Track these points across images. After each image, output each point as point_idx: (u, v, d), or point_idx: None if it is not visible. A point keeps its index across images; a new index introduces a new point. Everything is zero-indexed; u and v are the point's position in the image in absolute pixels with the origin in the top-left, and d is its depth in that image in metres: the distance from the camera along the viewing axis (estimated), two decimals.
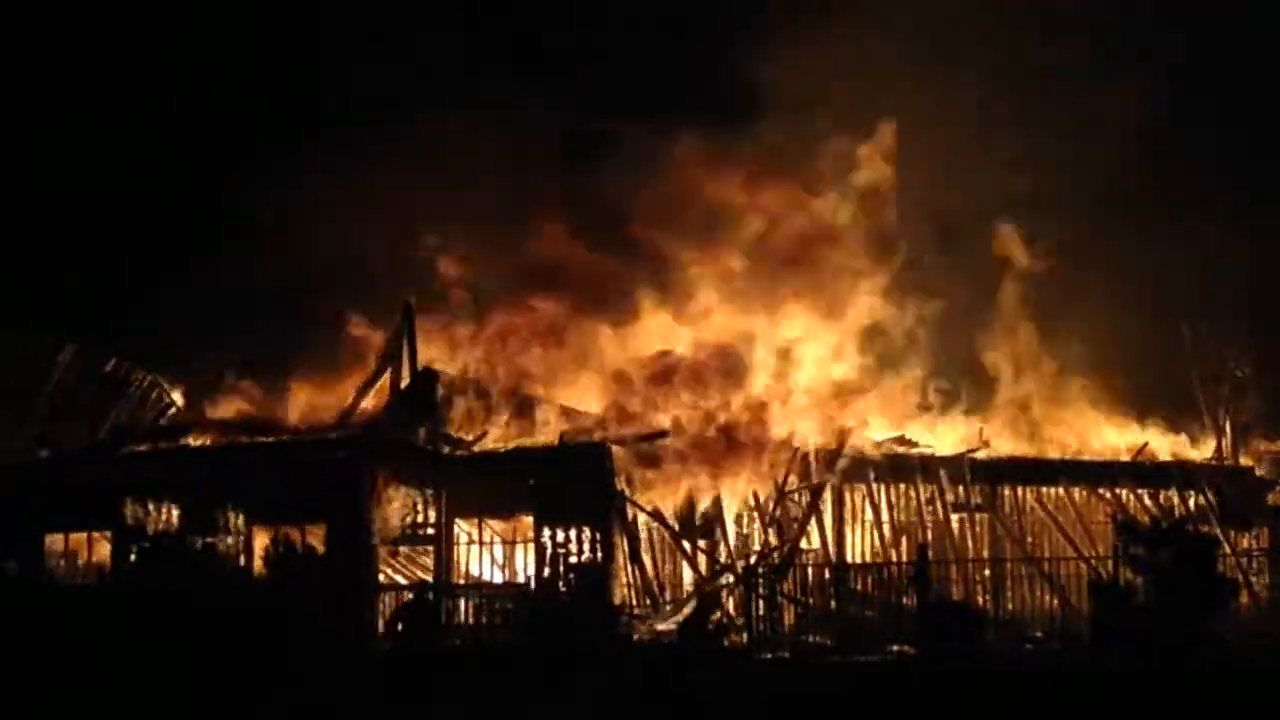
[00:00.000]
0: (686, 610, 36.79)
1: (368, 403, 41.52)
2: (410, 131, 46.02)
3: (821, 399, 40.97)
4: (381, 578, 38.47)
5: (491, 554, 39.88)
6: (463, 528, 39.48)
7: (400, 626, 36.22)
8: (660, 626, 36.94)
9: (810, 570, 38.58)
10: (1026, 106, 46.62)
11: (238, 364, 43.67)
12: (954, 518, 40.86)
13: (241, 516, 38.63)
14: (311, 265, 44.93)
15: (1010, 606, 39.55)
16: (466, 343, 42.79)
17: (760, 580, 37.40)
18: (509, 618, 37.20)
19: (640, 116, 44.85)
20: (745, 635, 36.60)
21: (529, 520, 38.40)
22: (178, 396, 44.69)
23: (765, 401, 40.06)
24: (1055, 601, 39.16)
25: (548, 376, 41.89)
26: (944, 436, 42.59)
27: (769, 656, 35.93)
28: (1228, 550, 39.66)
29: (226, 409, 42.45)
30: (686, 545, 38.60)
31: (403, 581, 38.91)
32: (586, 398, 41.18)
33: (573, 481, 37.70)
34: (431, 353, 42.11)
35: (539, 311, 42.85)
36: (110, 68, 52.06)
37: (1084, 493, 41.88)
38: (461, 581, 39.02)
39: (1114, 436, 44.69)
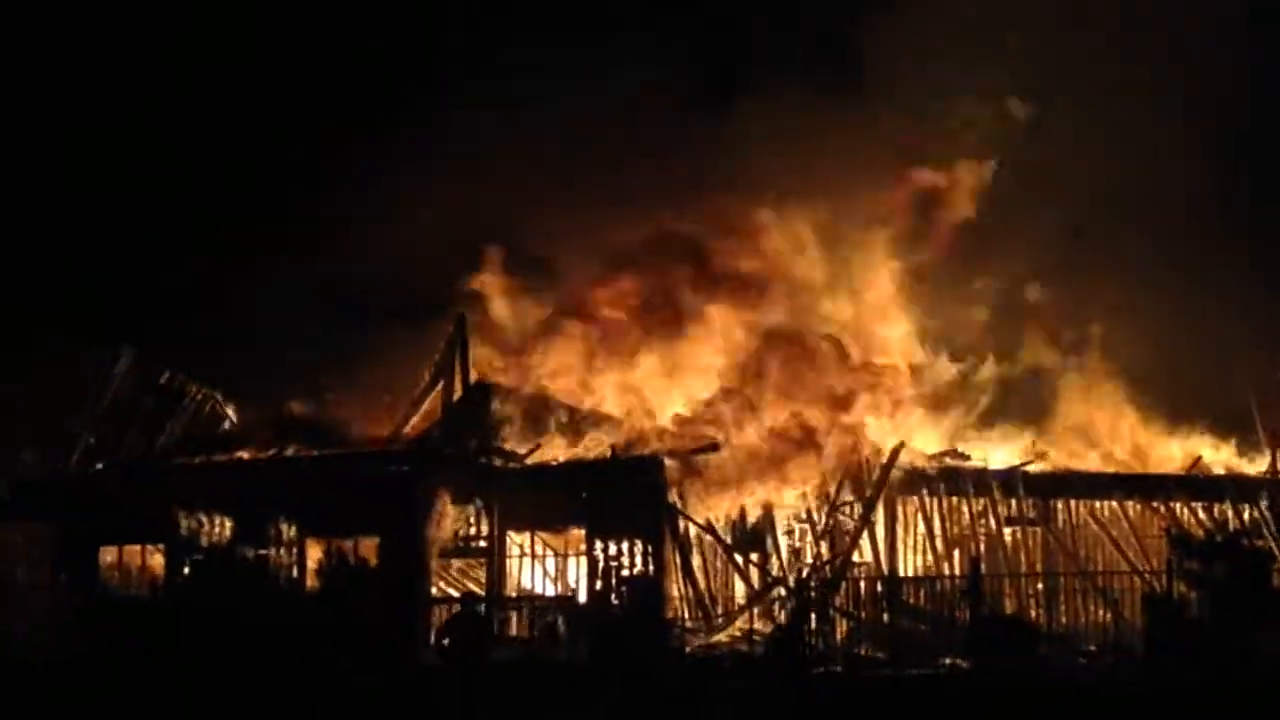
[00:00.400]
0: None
1: (419, 415, 41.63)
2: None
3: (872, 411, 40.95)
4: (434, 591, 38.53)
5: (544, 567, 39.92)
6: (515, 540, 39.51)
7: (449, 639, 36.26)
8: (712, 639, 36.98)
9: (862, 583, 38.49)
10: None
11: (289, 376, 43.86)
12: (1007, 531, 40.72)
13: (295, 529, 38.71)
14: (362, 272, 45.15)
15: (1064, 620, 39.34)
16: (520, 354, 42.85)
17: (812, 593, 37.32)
18: (555, 630, 37.29)
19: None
20: (798, 649, 36.54)
21: (581, 533, 38.40)
22: (231, 410, 44.84)
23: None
24: (1109, 615, 38.94)
25: (601, 388, 41.91)
26: (997, 450, 42.48)
27: (821, 670, 35.86)
28: None
29: (279, 421, 42.56)
30: (739, 558, 38.55)
31: (455, 594, 38.97)
32: (639, 409, 41.11)
33: (625, 494, 37.67)
34: (484, 364, 42.18)
35: (595, 322, 42.86)
36: (156, 72, 52.35)
37: (1138, 506, 41.68)
38: (513, 594, 39.06)
39: (1168, 450, 44.47)
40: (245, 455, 41.37)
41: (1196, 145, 45.97)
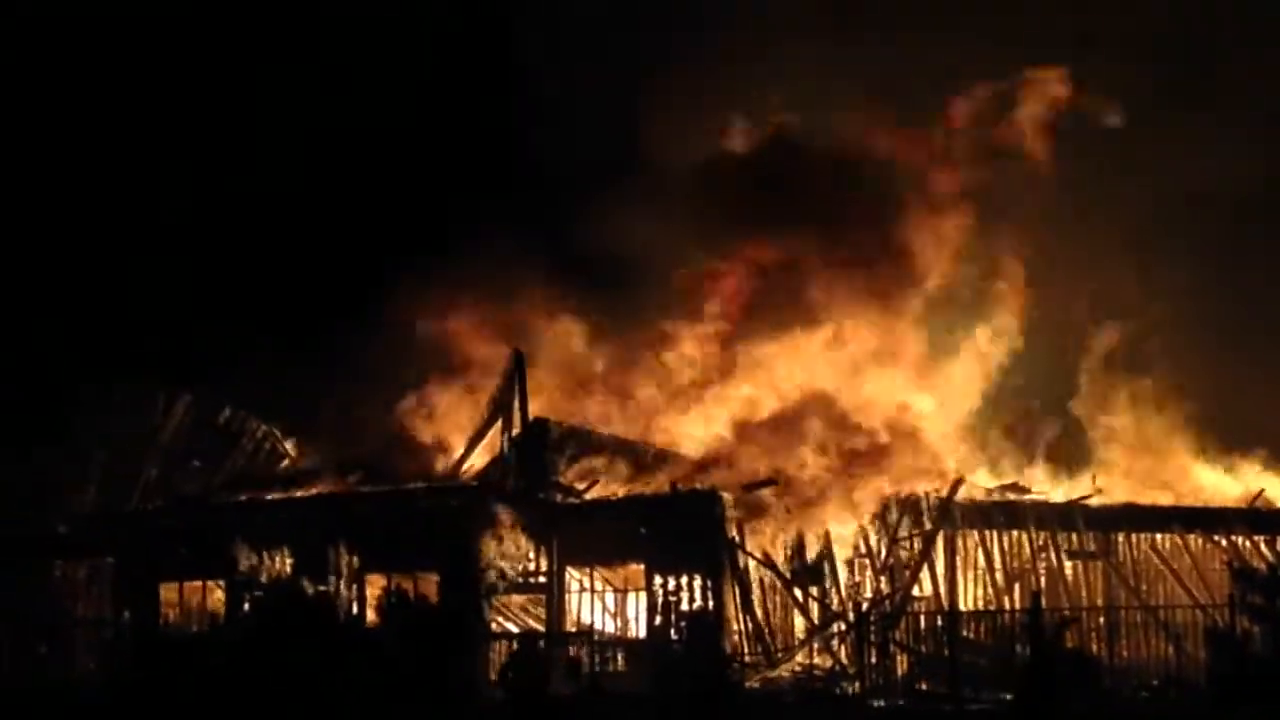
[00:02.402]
0: None
1: (479, 451, 41.78)
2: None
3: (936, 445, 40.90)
4: (494, 626, 38.56)
5: (603, 602, 39.91)
6: (574, 576, 39.53)
7: (510, 675, 36.23)
8: (772, 674, 36.92)
9: (922, 618, 38.35)
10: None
11: (347, 410, 44.01)
12: (1068, 565, 40.54)
13: (354, 564, 38.81)
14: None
15: (1125, 655, 39.09)
16: (579, 389, 42.98)
17: (872, 628, 37.21)
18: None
19: None
20: (858, 683, 36.46)
21: (640, 568, 38.39)
22: (290, 446, 45.05)
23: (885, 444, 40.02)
24: (1171, 650, 38.67)
25: (659, 423, 41.97)
26: (1058, 483, 42.34)
27: (881, 704, 35.74)
28: None
29: (339, 457, 42.73)
30: (798, 592, 38.49)
31: (515, 630, 39.00)
32: (698, 445, 41.17)
33: (684, 529, 37.65)
34: (543, 400, 42.30)
35: (655, 356, 43.02)
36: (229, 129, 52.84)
37: (1199, 539, 41.44)
38: (573, 630, 39.06)
39: (1229, 482, 44.24)
40: (304, 491, 41.53)
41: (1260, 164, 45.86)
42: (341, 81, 52.60)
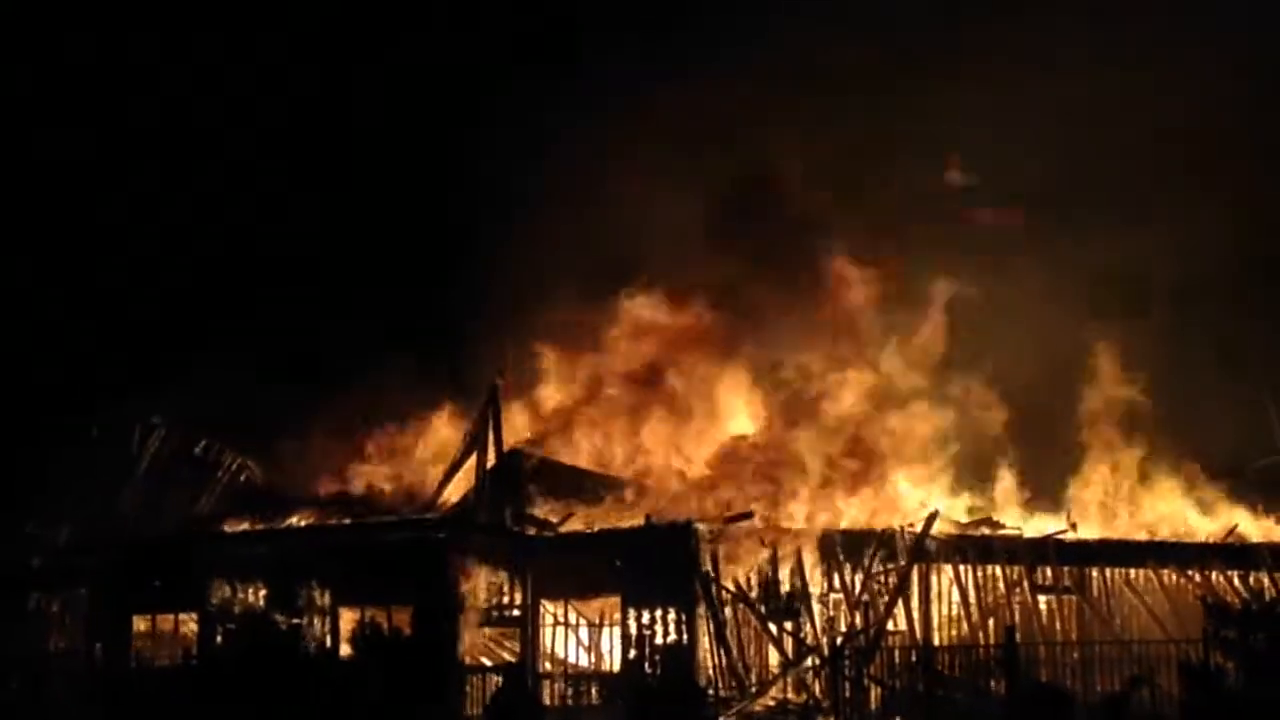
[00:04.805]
0: None
1: (454, 484, 41.77)
2: None
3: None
4: (468, 659, 38.47)
5: (577, 636, 39.86)
6: (549, 609, 39.48)
7: (496, 709, 36.14)
8: (746, 708, 36.87)
9: (897, 652, 38.34)
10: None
11: (320, 437, 44.04)
12: (1042, 599, 40.56)
13: (328, 597, 38.74)
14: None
15: (1099, 689, 39.09)
16: (553, 422, 43.04)
17: (847, 662, 37.19)
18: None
19: None
20: (832, 718, 36.43)
21: (614, 601, 38.35)
22: (265, 478, 44.97)
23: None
24: (1145, 686, 38.67)
25: (633, 457, 42.00)
26: (1031, 518, 42.37)
27: None
28: None
29: (314, 489, 42.70)
30: (772, 627, 38.47)
31: (488, 664, 38.93)
32: (672, 478, 41.20)
33: (658, 563, 37.66)
34: (517, 433, 42.35)
35: (627, 390, 43.07)
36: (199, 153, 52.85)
37: (1173, 575, 41.50)
38: (547, 664, 38.99)
39: (1203, 518, 44.29)
40: (278, 524, 41.46)
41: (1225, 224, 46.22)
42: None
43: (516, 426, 42.93)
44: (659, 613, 37.52)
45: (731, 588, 38.09)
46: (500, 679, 37.37)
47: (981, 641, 39.35)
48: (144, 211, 52.10)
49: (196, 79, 53.68)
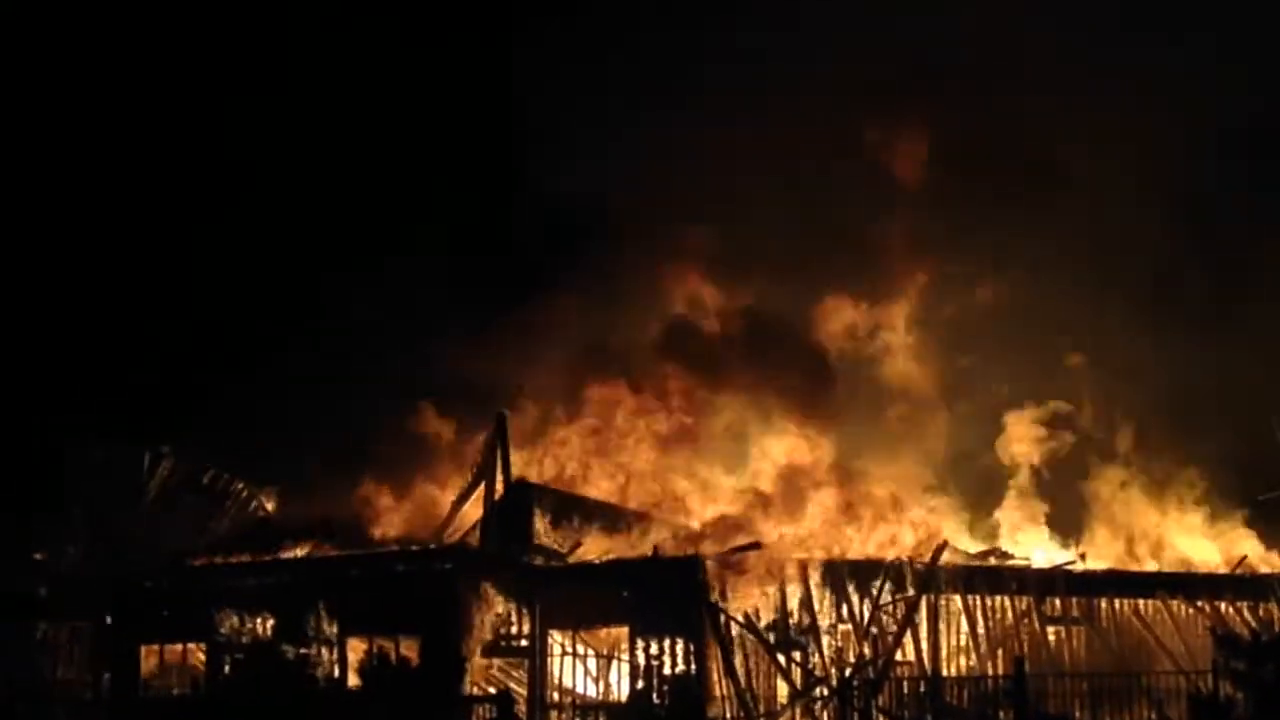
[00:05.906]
0: None
1: (462, 515, 41.77)
2: None
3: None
4: (476, 690, 38.41)
5: (585, 666, 39.77)
6: (556, 640, 39.42)
7: None
8: None
9: (905, 683, 38.25)
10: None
11: (333, 475, 44.02)
12: (1050, 630, 40.49)
13: (336, 627, 38.72)
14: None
15: None
16: (561, 453, 43.06)
17: (855, 693, 37.10)
18: None
19: None
20: None
21: (622, 632, 38.29)
22: (274, 508, 44.99)
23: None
24: (1154, 716, 38.62)
25: (642, 487, 42.02)
26: (1040, 549, 42.34)
27: None
28: None
29: (322, 519, 42.68)
30: (781, 658, 38.40)
31: (495, 693, 38.82)
32: (681, 509, 41.21)
33: (667, 593, 37.57)
34: (525, 464, 42.37)
35: (636, 422, 43.14)
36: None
37: (1182, 605, 41.43)
38: (555, 694, 38.92)
39: (1212, 549, 44.26)
40: (287, 554, 41.47)
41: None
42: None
43: (524, 457, 42.84)
44: (667, 643, 37.38)
45: (740, 618, 38.00)
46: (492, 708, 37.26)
47: (990, 672, 39.28)
48: (165, 237, 52.23)
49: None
